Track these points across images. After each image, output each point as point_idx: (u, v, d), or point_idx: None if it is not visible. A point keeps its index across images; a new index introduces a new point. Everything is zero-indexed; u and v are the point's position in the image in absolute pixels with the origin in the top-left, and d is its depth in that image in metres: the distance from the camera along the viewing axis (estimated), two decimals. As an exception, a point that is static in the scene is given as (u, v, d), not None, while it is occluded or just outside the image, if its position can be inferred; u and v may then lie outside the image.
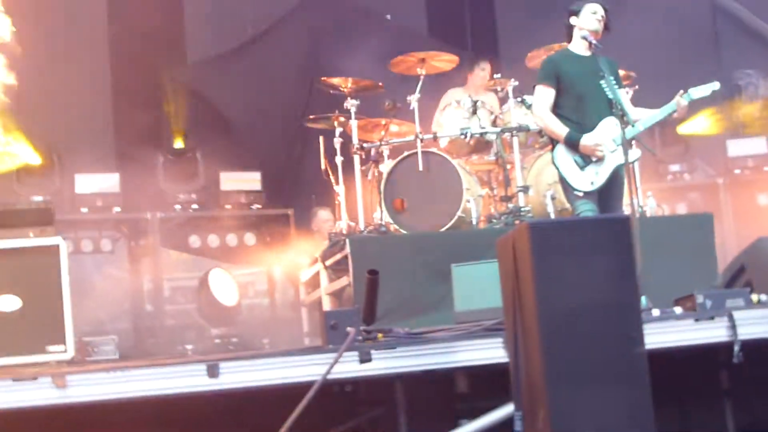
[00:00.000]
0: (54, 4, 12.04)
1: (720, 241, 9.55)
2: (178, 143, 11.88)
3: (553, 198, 9.08)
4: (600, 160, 7.58)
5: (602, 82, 7.57)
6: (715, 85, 7.71)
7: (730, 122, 12.85)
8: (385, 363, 5.73)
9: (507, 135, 9.29)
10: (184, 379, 5.52)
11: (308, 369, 5.58)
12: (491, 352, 5.81)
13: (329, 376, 5.52)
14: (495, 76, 9.65)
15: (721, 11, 14.58)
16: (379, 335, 6.13)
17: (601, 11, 7.79)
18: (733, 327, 5.94)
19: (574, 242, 5.08)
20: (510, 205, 9.09)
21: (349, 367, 5.65)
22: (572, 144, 7.62)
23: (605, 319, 4.95)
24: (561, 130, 7.67)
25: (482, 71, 10.54)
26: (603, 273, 5.01)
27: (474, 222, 8.97)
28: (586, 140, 7.55)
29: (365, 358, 5.66)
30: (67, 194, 11.31)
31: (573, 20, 7.87)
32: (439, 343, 5.88)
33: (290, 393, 5.44)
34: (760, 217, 12.09)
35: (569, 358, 4.88)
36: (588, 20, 7.78)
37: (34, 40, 9.75)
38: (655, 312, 6.48)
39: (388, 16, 14.09)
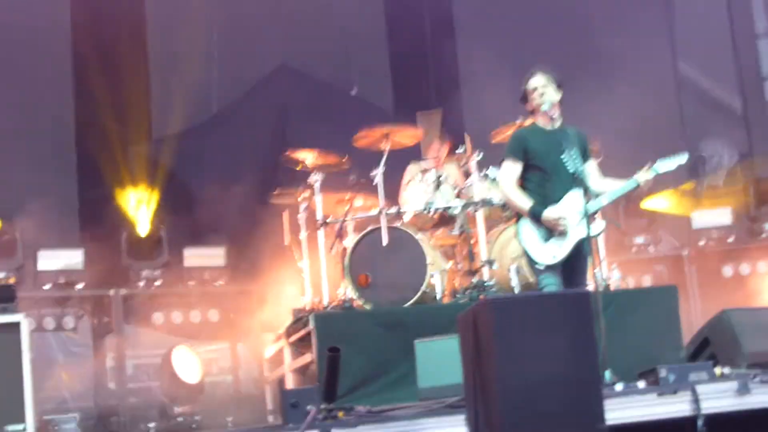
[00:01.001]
0: (18, 79, 12.05)
1: (685, 313, 9.54)
2: (143, 227, 11.79)
3: (518, 272, 9.06)
4: (563, 233, 7.53)
5: (563, 155, 7.57)
6: (683, 159, 7.65)
7: (694, 201, 12.93)
8: (346, 441, 5.67)
9: (471, 209, 9.30)
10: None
11: (267, 449, 5.52)
12: (454, 429, 5.75)
13: (289, 456, 5.46)
14: (458, 150, 9.63)
15: (684, 82, 14.76)
16: (340, 413, 6.07)
17: (540, 82, 7.68)
18: (696, 401, 5.93)
19: (535, 318, 5.07)
20: (474, 280, 9.06)
21: (309, 446, 5.59)
22: (536, 217, 7.60)
23: (566, 395, 4.93)
24: (525, 203, 7.65)
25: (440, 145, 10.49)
26: (563, 349, 5.00)
27: (438, 297, 8.94)
28: (549, 213, 7.52)
29: (326, 437, 5.60)
30: (29, 270, 11.20)
31: (527, 107, 7.86)
32: (401, 420, 5.82)
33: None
34: (724, 288, 12.11)
35: (530, 435, 4.85)
36: (535, 101, 7.76)
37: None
38: (619, 386, 6.48)
39: (354, 92, 14.16)
